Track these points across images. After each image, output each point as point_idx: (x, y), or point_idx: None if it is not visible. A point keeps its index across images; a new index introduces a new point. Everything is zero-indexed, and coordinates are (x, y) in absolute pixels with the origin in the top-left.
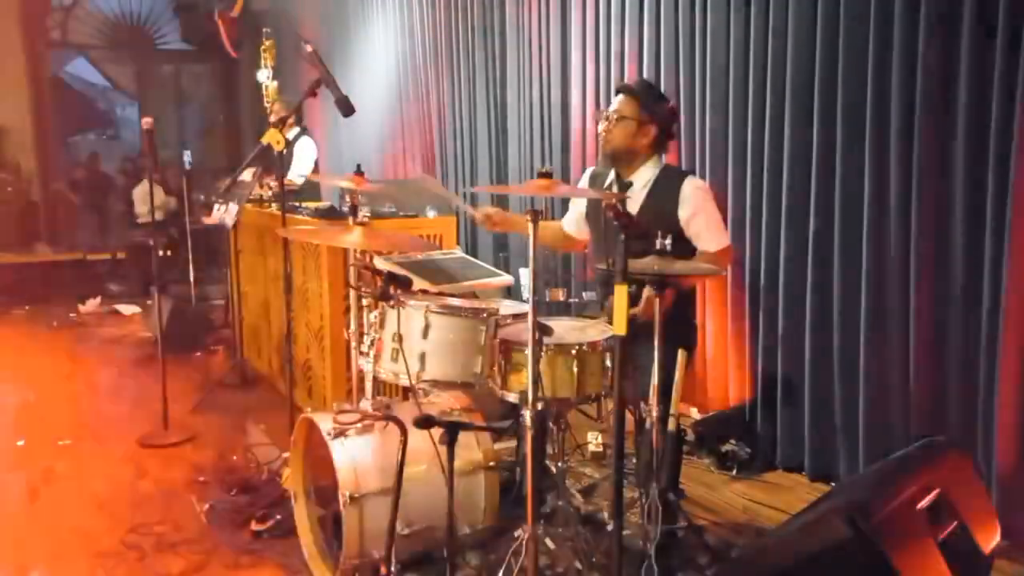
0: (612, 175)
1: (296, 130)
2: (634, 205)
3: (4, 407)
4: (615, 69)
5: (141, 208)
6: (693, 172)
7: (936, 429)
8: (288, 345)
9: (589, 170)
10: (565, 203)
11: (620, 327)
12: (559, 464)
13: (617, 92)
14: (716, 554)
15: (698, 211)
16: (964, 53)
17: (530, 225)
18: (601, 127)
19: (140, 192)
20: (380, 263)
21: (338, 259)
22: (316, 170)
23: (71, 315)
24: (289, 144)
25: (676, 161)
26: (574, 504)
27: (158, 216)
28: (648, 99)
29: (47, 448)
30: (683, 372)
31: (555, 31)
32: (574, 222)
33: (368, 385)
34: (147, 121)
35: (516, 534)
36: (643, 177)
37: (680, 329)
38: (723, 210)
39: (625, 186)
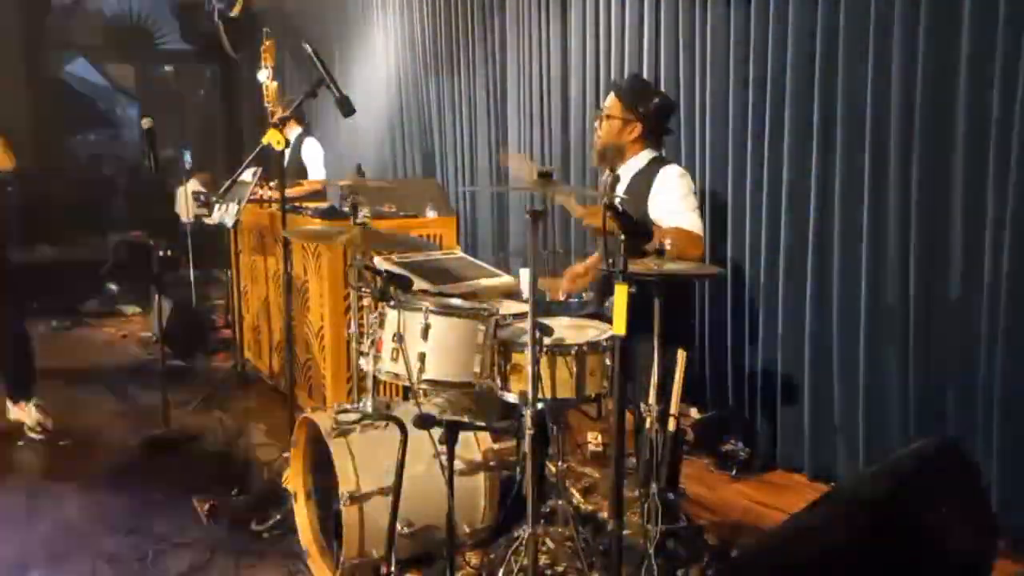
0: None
1: (298, 130)
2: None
3: (4, 408)
4: (615, 69)
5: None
6: (681, 164)
7: (936, 429)
8: (288, 345)
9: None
10: None
11: (620, 327)
12: (559, 464)
13: (609, 90)
14: (716, 554)
15: (666, 192)
16: (965, 41)
17: (529, 225)
18: (594, 125)
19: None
20: (380, 263)
21: (338, 259)
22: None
23: (71, 315)
24: (292, 144)
25: (677, 158)
26: (574, 504)
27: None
28: (632, 97)
29: (47, 448)
30: (683, 372)
31: (555, 31)
32: None
33: (369, 385)
34: (147, 121)
35: (516, 534)
36: (631, 169)
37: (678, 328)
38: (723, 208)
39: (615, 180)
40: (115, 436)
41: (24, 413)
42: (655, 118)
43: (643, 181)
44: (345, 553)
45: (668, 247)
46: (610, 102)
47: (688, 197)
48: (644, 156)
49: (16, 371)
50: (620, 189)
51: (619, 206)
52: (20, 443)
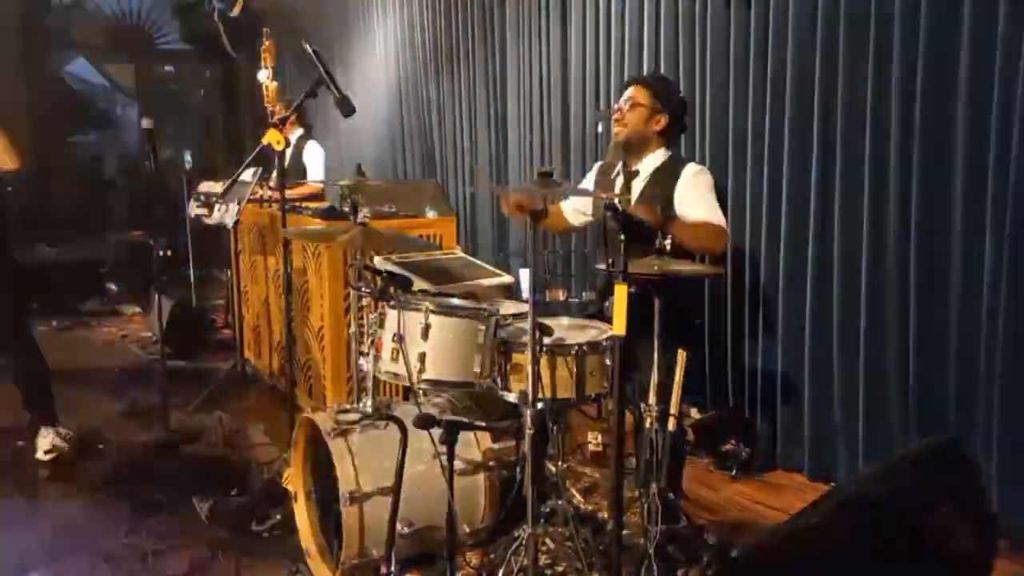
0: (620, 166)
1: (299, 132)
2: (635, 193)
3: (4, 407)
4: (615, 69)
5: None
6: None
7: (935, 428)
8: (288, 345)
9: (597, 164)
10: None
11: (620, 327)
12: (559, 464)
13: (629, 84)
14: (716, 554)
15: (692, 189)
16: (965, 44)
17: (529, 224)
18: (614, 117)
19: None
20: (380, 263)
21: (339, 259)
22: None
23: (71, 315)
24: (294, 145)
25: None
26: (574, 504)
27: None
28: (661, 88)
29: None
30: (683, 372)
31: (555, 31)
32: (572, 210)
33: (369, 385)
34: (147, 121)
35: (516, 534)
36: (649, 165)
37: (681, 329)
38: (723, 207)
39: (632, 175)
40: (116, 436)
41: (45, 440)
42: (680, 110)
43: (664, 179)
44: (345, 553)
45: (668, 247)
46: (635, 92)
47: (712, 193)
48: (661, 154)
49: (42, 393)
50: (638, 185)
51: (619, 206)
52: (20, 443)
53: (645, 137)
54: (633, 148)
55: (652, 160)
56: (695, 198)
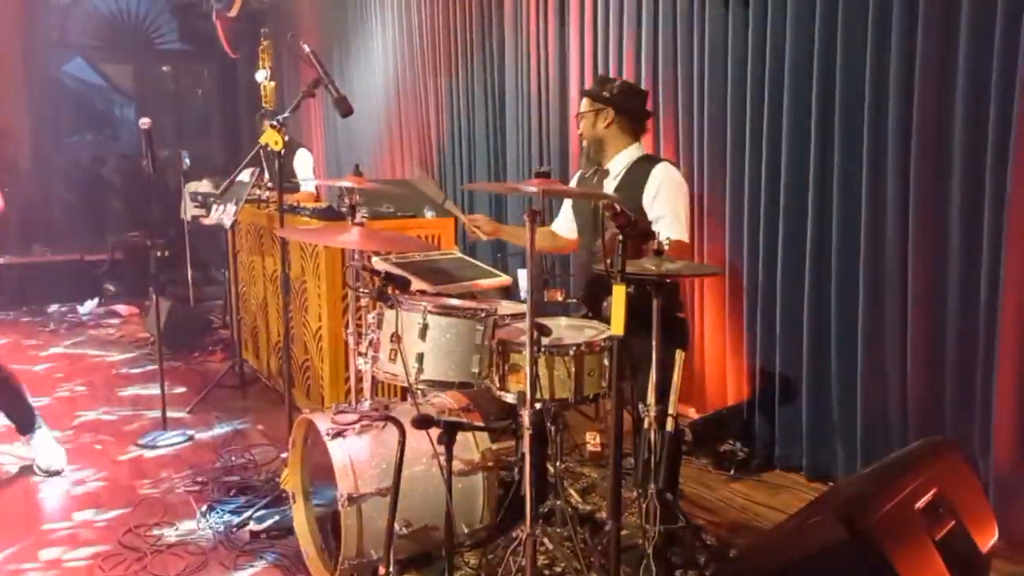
0: (591, 170)
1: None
2: (608, 191)
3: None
4: (613, 68)
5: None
6: (675, 163)
7: (933, 428)
8: (286, 346)
9: (577, 174)
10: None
11: (618, 327)
12: (557, 464)
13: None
14: (714, 554)
15: (661, 192)
16: (963, 43)
17: (528, 225)
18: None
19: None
20: (378, 263)
21: (336, 259)
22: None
23: (70, 315)
24: (284, 152)
25: (675, 159)
26: (572, 504)
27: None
28: (597, 89)
29: None
30: (680, 372)
31: (554, 31)
32: (565, 223)
33: (367, 385)
34: (145, 121)
35: (514, 534)
36: (619, 164)
37: (674, 328)
38: (720, 208)
39: (603, 175)
40: (114, 436)
41: (29, 448)
42: (623, 99)
43: (635, 178)
44: (343, 554)
45: (667, 247)
46: (583, 104)
47: (683, 205)
48: (631, 152)
49: (16, 402)
50: (611, 185)
51: (618, 206)
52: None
53: (598, 139)
54: (595, 152)
55: (623, 157)
56: (660, 206)
